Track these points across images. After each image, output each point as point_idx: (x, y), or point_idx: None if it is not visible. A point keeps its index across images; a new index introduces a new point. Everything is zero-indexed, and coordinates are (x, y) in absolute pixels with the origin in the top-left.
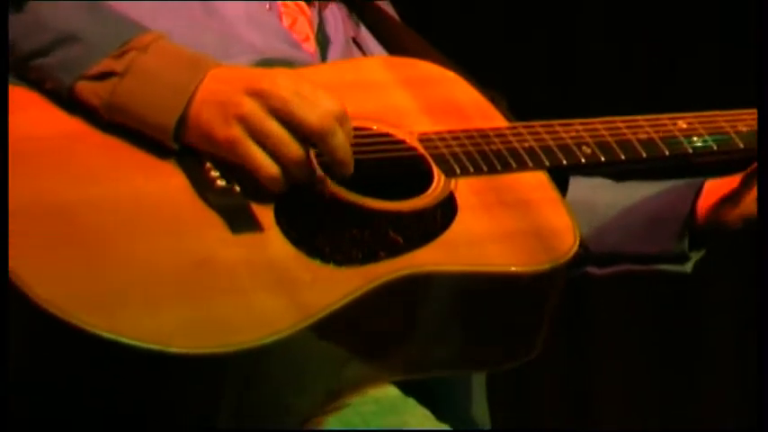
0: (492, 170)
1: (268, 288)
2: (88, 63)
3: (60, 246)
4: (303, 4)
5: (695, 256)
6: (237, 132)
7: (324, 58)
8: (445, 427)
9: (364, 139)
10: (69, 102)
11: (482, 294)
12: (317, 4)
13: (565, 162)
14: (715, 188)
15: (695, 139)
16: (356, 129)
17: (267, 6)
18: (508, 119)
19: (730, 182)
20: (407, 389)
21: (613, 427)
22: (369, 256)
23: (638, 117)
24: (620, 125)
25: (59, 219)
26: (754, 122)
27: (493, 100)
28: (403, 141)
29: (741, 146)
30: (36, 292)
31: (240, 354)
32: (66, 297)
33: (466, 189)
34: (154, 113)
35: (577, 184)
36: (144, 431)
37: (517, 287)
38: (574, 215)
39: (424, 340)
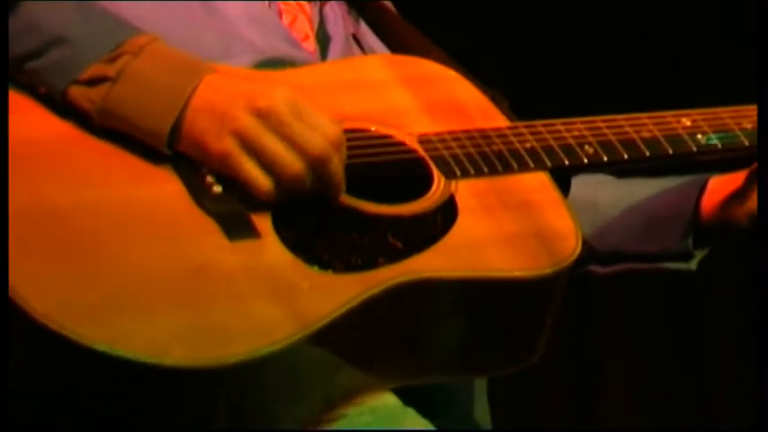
0: (493, 171)
1: (265, 297)
2: (79, 67)
3: (55, 253)
4: (303, 2)
5: (700, 255)
6: (231, 146)
7: (324, 55)
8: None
9: (364, 142)
10: (63, 106)
11: (483, 299)
12: (317, 2)
13: (567, 162)
14: (719, 186)
15: (699, 137)
16: (355, 130)
17: (267, 5)
18: (509, 118)
19: (735, 179)
20: (407, 398)
21: (615, 427)
22: (368, 262)
23: (642, 115)
24: (624, 123)
25: (54, 224)
26: None
27: (494, 99)
28: (402, 143)
29: (746, 144)
30: (32, 306)
31: (237, 365)
32: (61, 307)
33: (466, 191)
34: (147, 119)
35: (579, 182)
36: None
37: (519, 292)
38: (576, 216)
39: (424, 346)
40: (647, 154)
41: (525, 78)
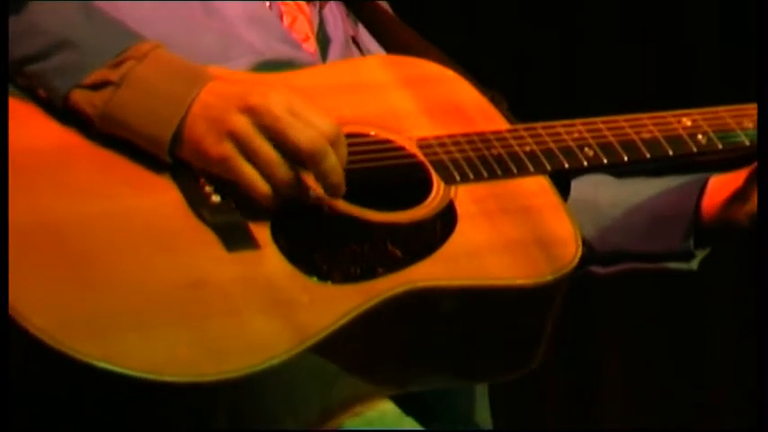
0: (492, 176)
1: (264, 310)
2: (84, 70)
3: (53, 268)
4: (303, 3)
5: (701, 254)
6: (229, 149)
7: (324, 57)
8: None
9: (363, 147)
10: (63, 110)
11: (483, 307)
12: (317, 3)
13: (567, 165)
14: (720, 185)
15: (700, 137)
16: (355, 135)
17: (268, 6)
18: (509, 119)
19: (735, 178)
20: (405, 405)
21: (615, 427)
22: (367, 271)
23: (642, 115)
24: (624, 124)
25: (52, 238)
26: None
27: (493, 99)
28: (402, 148)
29: (747, 143)
30: (30, 321)
31: (235, 380)
32: (59, 323)
33: (466, 197)
34: (149, 125)
35: (579, 182)
36: None
37: (519, 299)
38: (576, 221)
39: (423, 354)
40: (648, 156)
41: (525, 79)
